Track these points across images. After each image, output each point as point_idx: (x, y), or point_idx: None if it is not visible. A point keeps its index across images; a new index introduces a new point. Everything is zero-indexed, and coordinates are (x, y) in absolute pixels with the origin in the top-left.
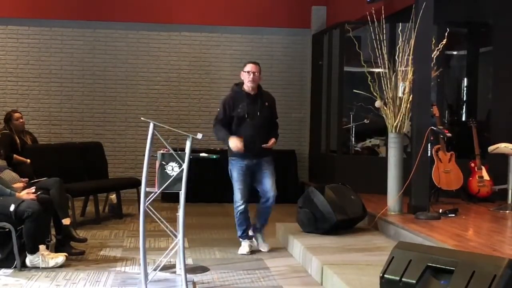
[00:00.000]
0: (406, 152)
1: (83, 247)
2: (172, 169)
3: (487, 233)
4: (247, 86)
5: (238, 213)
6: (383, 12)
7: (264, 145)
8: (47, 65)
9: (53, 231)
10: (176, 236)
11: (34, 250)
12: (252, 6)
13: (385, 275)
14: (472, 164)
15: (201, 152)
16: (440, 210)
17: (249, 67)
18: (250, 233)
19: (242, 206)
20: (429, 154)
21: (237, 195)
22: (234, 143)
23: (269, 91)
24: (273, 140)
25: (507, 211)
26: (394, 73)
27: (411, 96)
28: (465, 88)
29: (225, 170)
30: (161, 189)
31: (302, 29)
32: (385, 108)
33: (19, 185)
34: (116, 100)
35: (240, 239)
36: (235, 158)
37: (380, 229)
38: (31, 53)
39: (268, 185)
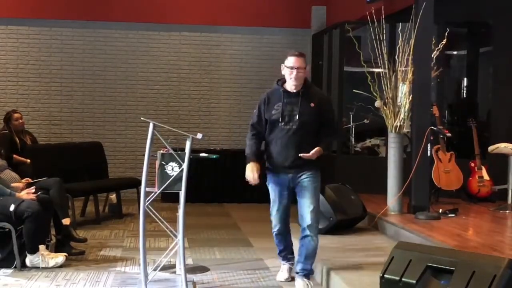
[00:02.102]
0: (406, 152)
1: (83, 247)
2: (172, 169)
3: (487, 233)
4: (289, 85)
5: (274, 235)
6: (383, 12)
7: (301, 154)
8: (47, 65)
9: (53, 231)
10: (176, 236)
11: (34, 250)
12: (252, 6)
13: (385, 275)
14: (472, 164)
15: (201, 152)
16: (440, 210)
17: (292, 61)
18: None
19: (276, 229)
20: (429, 154)
21: (271, 216)
22: (248, 172)
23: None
24: (316, 149)
25: (507, 211)
26: (394, 73)
27: (411, 96)
28: (465, 88)
29: (225, 170)
30: (161, 189)
31: (302, 29)
32: (385, 108)
33: (18, 184)
34: (116, 100)
35: (279, 259)
36: (269, 171)
37: (380, 229)
38: (31, 53)
39: (303, 209)
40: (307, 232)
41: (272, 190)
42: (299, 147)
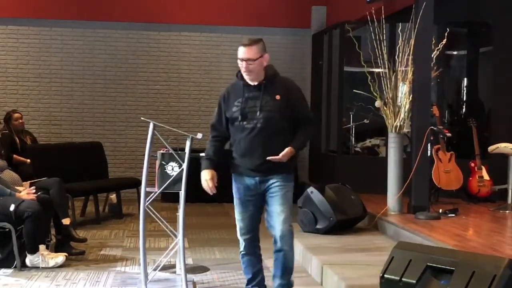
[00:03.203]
0: (406, 152)
1: (83, 247)
2: (172, 169)
3: (487, 233)
4: (246, 78)
5: (240, 255)
6: (383, 12)
7: (269, 158)
8: (47, 65)
9: (53, 231)
10: (176, 236)
11: (34, 250)
12: (252, 6)
13: (385, 275)
14: (472, 164)
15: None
16: (440, 210)
17: (240, 52)
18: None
19: (242, 246)
20: (429, 154)
21: (237, 230)
22: (202, 181)
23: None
24: (287, 150)
25: (507, 211)
26: (394, 73)
27: (411, 96)
28: (465, 88)
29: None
30: (161, 189)
31: (302, 29)
32: (385, 108)
33: (20, 188)
34: (116, 100)
35: None
36: (234, 174)
37: (380, 229)
38: (31, 53)
39: (273, 218)
40: (279, 245)
41: (235, 196)
42: (266, 148)
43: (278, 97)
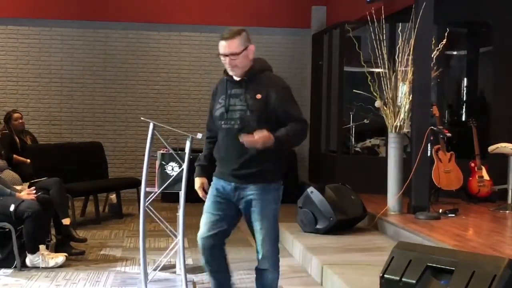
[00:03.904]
0: (406, 152)
1: (83, 247)
2: (172, 169)
3: (487, 233)
4: (230, 73)
5: (206, 272)
6: (383, 12)
7: (243, 137)
8: (47, 65)
9: (53, 231)
10: (176, 236)
11: (34, 250)
12: (252, 6)
13: (385, 275)
14: (472, 164)
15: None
16: (440, 210)
17: (221, 47)
18: None
19: (203, 260)
20: (429, 154)
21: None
22: (196, 187)
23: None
24: (264, 133)
25: (507, 211)
26: (394, 73)
27: (411, 96)
28: (465, 88)
29: None
30: (161, 189)
31: (302, 29)
32: (385, 108)
33: (18, 187)
34: (116, 100)
35: None
36: (213, 176)
37: (380, 229)
38: (31, 53)
39: (255, 235)
40: (261, 266)
41: (207, 198)
42: (243, 153)
43: (259, 96)
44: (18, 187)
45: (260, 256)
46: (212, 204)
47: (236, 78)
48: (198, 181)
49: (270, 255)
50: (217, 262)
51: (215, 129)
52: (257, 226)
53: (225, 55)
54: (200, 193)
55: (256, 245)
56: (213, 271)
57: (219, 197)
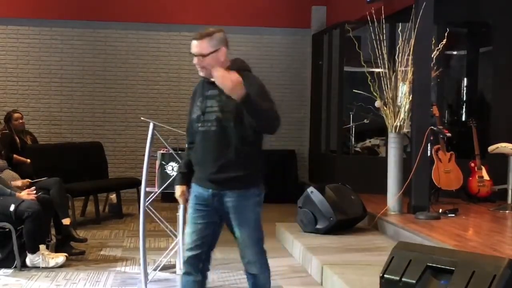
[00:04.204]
0: (406, 152)
1: (83, 247)
2: (172, 169)
3: (487, 233)
4: (200, 74)
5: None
6: (383, 12)
7: (215, 73)
8: (47, 65)
9: (53, 231)
10: (176, 236)
11: (34, 250)
12: (252, 6)
13: (385, 275)
14: (472, 164)
15: None
16: (440, 210)
17: (191, 47)
18: None
19: (184, 265)
20: (429, 154)
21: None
22: (176, 196)
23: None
24: (237, 76)
25: (507, 211)
26: (394, 73)
27: (411, 96)
28: (465, 88)
29: None
30: (161, 189)
31: (302, 29)
32: (385, 108)
33: (17, 183)
34: (116, 100)
35: None
36: (192, 183)
37: (380, 229)
38: (31, 53)
39: (238, 244)
40: (250, 270)
41: (189, 206)
42: (219, 157)
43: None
44: (19, 183)
45: (245, 261)
46: (194, 212)
47: (212, 79)
48: (178, 189)
49: (256, 260)
50: (199, 275)
51: (195, 133)
52: (237, 233)
53: (194, 55)
54: (181, 201)
55: (239, 250)
56: (192, 280)
57: (199, 204)
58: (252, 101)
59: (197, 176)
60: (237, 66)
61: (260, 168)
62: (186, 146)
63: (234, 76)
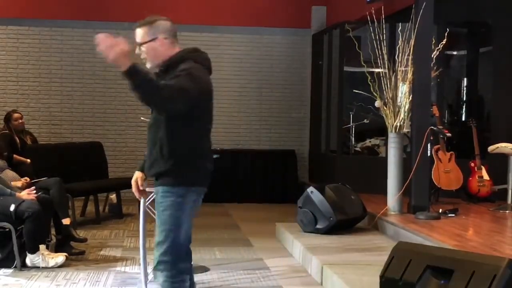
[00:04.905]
0: (406, 152)
1: (83, 247)
2: None
3: (487, 233)
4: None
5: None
6: (383, 12)
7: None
8: (47, 65)
9: (53, 231)
10: None
11: (34, 250)
12: (252, 6)
13: (385, 275)
14: (472, 164)
15: None
16: (440, 210)
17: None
18: None
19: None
20: (429, 154)
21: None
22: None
23: (269, 91)
24: (122, 43)
25: (507, 211)
26: (394, 73)
27: (411, 96)
28: (465, 88)
29: (225, 170)
30: None
31: (302, 29)
32: (385, 108)
33: (17, 183)
34: (116, 100)
35: None
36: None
37: (380, 229)
38: (31, 53)
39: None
40: (157, 268)
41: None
42: (151, 149)
43: None
44: (19, 183)
45: (155, 258)
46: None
47: (155, 71)
48: (134, 176)
49: (161, 260)
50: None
51: None
52: (156, 229)
53: (137, 44)
54: (133, 187)
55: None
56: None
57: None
58: (138, 74)
59: None
60: (180, 56)
61: (192, 168)
62: None
63: (119, 46)
